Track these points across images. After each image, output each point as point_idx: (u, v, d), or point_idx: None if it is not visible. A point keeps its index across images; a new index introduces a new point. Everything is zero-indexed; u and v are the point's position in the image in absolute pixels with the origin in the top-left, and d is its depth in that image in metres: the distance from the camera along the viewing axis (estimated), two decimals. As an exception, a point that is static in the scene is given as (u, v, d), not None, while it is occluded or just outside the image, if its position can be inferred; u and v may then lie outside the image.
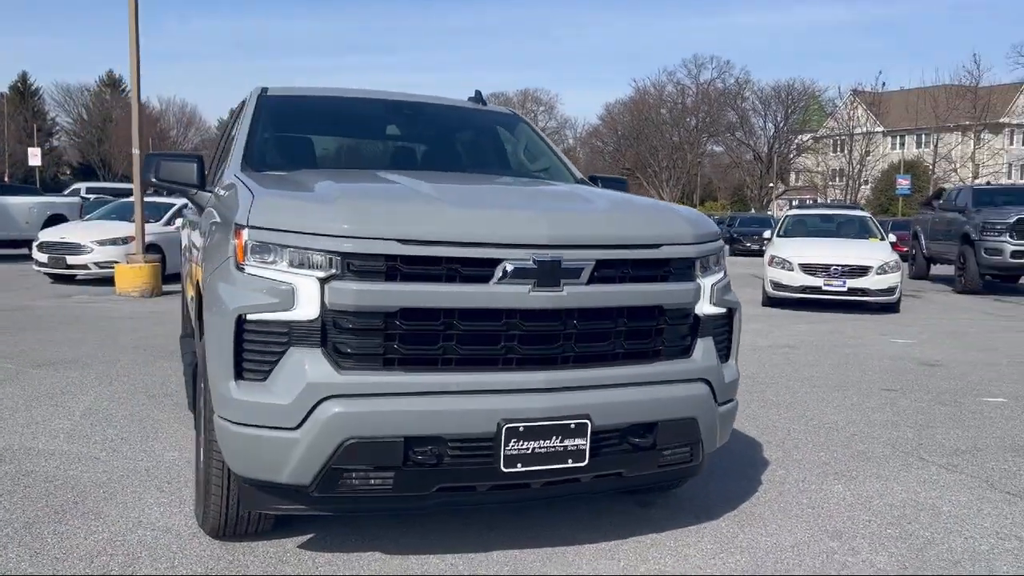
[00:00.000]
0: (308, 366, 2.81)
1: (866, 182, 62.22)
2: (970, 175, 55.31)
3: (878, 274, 12.02)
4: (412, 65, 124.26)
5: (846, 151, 61.63)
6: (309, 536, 3.43)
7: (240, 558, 3.22)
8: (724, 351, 3.46)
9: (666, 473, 3.36)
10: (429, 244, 2.86)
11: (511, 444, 2.89)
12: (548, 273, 2.93)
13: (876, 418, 5.74)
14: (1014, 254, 15.17)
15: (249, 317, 2.85)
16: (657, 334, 3.20)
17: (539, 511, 3.70)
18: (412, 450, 2.85)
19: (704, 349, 3.32)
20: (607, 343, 3.09)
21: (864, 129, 60.13)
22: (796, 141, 67.76)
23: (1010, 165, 65.44)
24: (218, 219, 3.38)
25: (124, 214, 16.20)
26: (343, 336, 2.84)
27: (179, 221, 15.60)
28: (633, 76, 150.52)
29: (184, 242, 6.28)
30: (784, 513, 3.86)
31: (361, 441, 2.80)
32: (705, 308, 3.33)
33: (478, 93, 5.17)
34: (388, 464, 2.85)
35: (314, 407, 2.80)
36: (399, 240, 2.84)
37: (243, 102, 4.99)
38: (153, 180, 4.06)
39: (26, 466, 4.26)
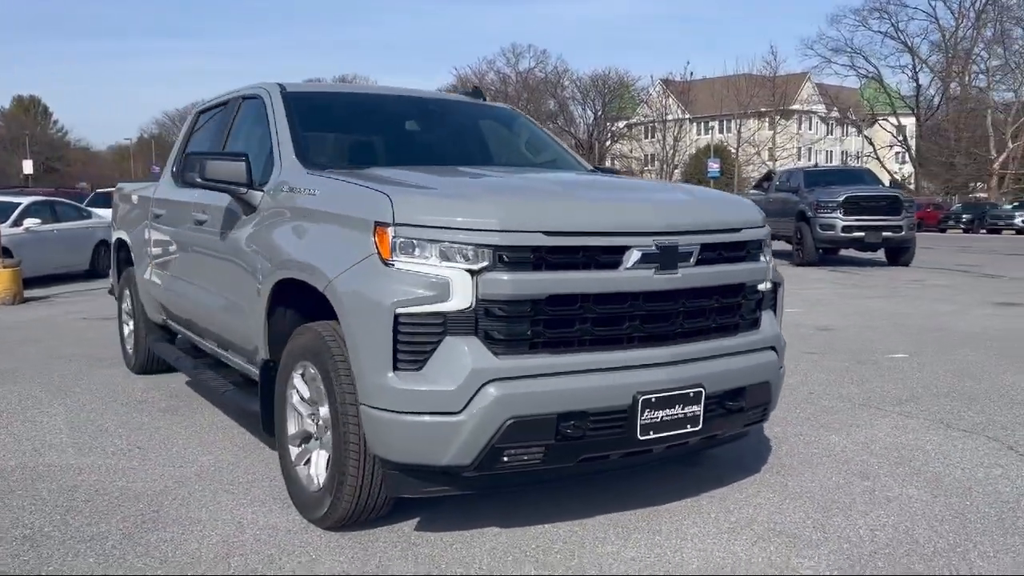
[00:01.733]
0: (469, 353, 2.98)
1: (676, 166, 66.05)
2: (768, 158, 60.08)
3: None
4: (215, 50, 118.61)
5: (659, 137, 65.17)
6: (417, 519, 3.58)
7: (371, 544, 3.33)
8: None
9: (743, 432, 3.78)
10: (570, 235, 3.11)
11: (645, 414, 3.19)
12: (668, 257, 3.25)
13: (818, 378, 6.45)
14: (844, 228, 16.92)
15: (405, 310, 2.98)
16: (738, 309, 3.59)
17: (616, 480, 4.01)
18: (561, 425, 3.08)
19: (768, 320, 3.76)
20: (707, 319, 3.45)
21: (675, 116, 63.83)
22: (612, 128, 70.82)
23: (799, 149, 71.32)
24: (326, 218, 3.44)
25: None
26: (495, 323, 3.02)
27: (29, 222, 14.52)
28: (454, 64, 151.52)
29: (146, 238, 6.02)
30: (809, 462, 4.38)
31: (521, 420, 3.01)
32: (766, 284, 3.75)
33: (476, 89, 5.36)
34: (541, 440, 3.07)
35: (477, 391, 2.97)
36: (544, 232, 3.06)
37: (242, 97, 4.94)
38: (198, 180, 4.01)
39: (63, 482, 4.08)
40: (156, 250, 5.74)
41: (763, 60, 76.75)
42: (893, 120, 60.50)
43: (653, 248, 3.21)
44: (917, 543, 3.36)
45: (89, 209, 17.48)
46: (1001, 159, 52.23)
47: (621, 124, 70.74)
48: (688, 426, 3.31)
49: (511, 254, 3.02)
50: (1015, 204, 43.58)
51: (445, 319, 3.00)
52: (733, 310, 3.56)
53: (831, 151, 77.93)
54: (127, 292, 6.72)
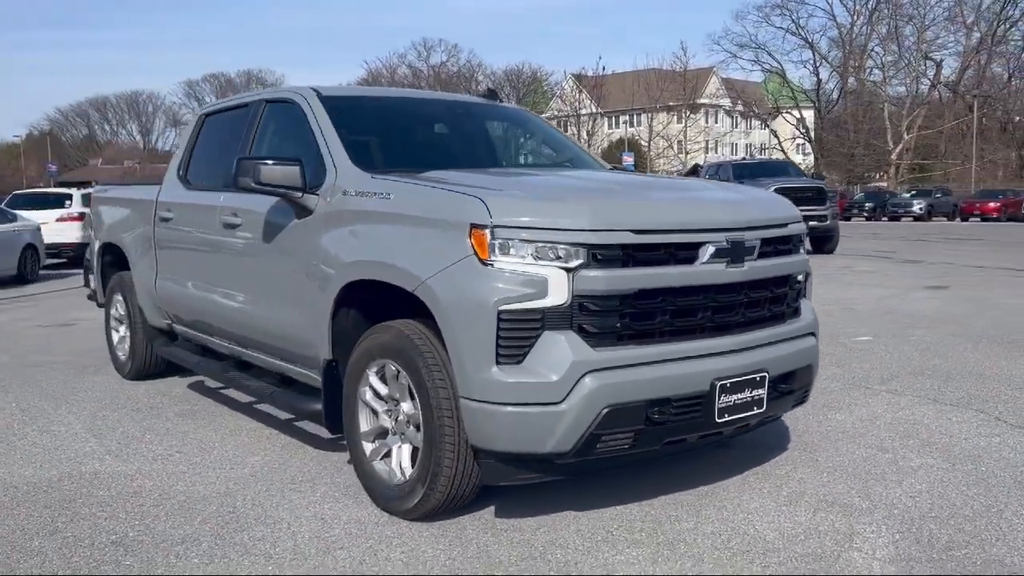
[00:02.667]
0: (568, 346, 3.17)
1: (591, 159, 66.90)
2: (679, 151, 61.64)
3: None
4: (109, 43, 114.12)
5: (573, 131, 65.98)
6: (492, 506, 3.74)
7: (462, 532, 3.48)
8: (807, 308, 4.21)
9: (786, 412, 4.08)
10: (655, 232, 3.32)
11: (722, 398, 3.44)
12: (737, 252, 3.50)
13: (799, 362, 6.84)
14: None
15: (507, 307, 3.14)
16: (785, 298, 3.87)
17: (663, 465, 4.24)
18: (650, 411, 3.30)
19: (806, 308, 4.06)
20: (763, 308, 3.72)
21: (589, 110, 64.73)
22: (527, 122, 71.25)
23: (706, 142, 73.24)
24: (407, 221, 3.55)
25: None
26: (588, 318, 3.21)
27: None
28: (364, 58, 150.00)
29: (149, 242, 5.94)
30: (828, 439, 4.71)
31: (616, 408, 3.21)
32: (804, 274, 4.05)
33: (491, 91, 5.52)
34: (632, 426, 3.28)
35: (577, 382, 3.16)
36: (632, 231, 3.27)
37: (265, 101, 4.97)
38: (252, 185, 4.06)
39: (120, 488, 4.07)
40: (165, 253, 5.69)
41: (673, 55, 78.82)
42: (796, 113, 62.85)
43: (725, 243, 3.46)
44: (955, 506, 3.71)
45: (13, 212, 16.79)
46: (898, 150, 54.98)
47: (536, 118, 71.29)
48: (755, 408, 3.58)
49: (604, 252, 3.22)
50: (912, 192, 45.99)
51: (543, 315, 3.17)
52: (782, 299, 3.84)
53: (737, 144, 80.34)
54: (118, 297, 6.61)
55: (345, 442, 3.98)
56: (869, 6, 58.61)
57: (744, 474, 4.17)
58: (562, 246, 3.19)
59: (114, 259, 6.79)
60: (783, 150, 63.30)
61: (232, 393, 6.01)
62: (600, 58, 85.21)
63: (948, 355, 6.98)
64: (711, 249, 3.43)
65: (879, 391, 5.80)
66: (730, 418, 3.49)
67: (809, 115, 63.83)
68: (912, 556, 3.23)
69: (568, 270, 3.18)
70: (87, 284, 12.46)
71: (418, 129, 4.93)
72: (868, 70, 61.31)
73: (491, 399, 3.18)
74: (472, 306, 3.19)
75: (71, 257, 18.38)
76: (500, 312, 3.14)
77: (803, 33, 62.54)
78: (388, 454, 3.75)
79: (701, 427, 3.47)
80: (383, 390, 3.73)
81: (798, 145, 69.85)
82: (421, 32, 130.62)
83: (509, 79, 69.47)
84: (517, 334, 3.17)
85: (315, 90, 4.64)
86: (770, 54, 63.44)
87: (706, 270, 3.43)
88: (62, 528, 3.60)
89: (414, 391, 3.49)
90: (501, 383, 3.16)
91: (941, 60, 56.73)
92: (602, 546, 3.35)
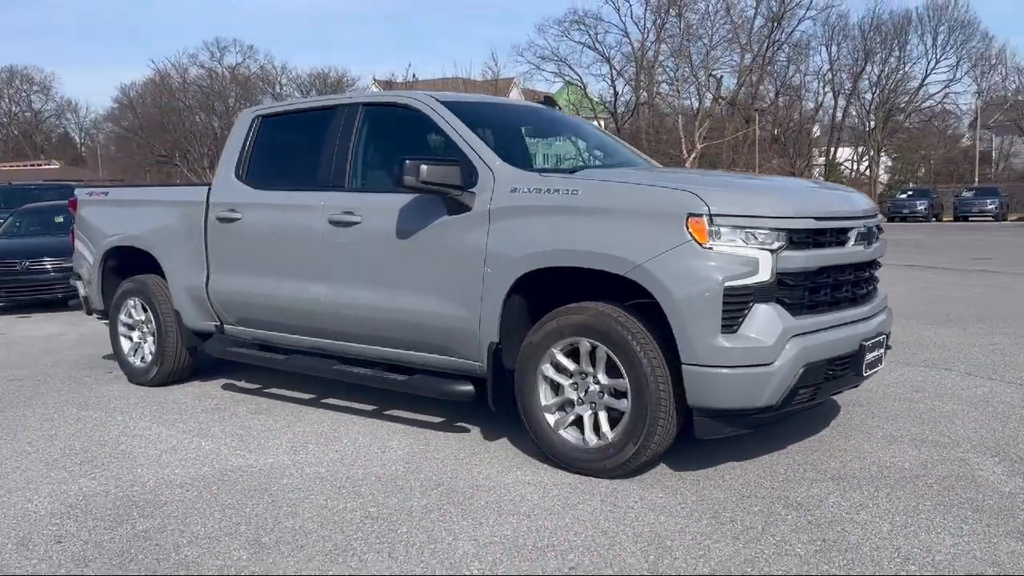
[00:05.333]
0: (777, 316, 3.79)
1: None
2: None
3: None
4: None
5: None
6: (662, 464, 4.27)
7: (664, 483, 4.00)
8: (872, 287, 5.06)
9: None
10: (828, 219, 4.04)
11: (866, 356, 4.18)
12: (868, 235, 4.28)
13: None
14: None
15: (731, 284, 3.72)
16: (875, 276, 4.69)
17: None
18: (826, 368, 3.99)
19: (880, 286, 4.91)
20: (870, 284, 4.51)
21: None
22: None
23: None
24: (606, 213, 4.00)
25: None
26: (784, 291, 3.86)
27: None
28: (151, 56, 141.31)
29: (200, 244, 5.86)
30: (863, 396, 5.58)
31: (809, 366, 3.87)
32: (878, 256, 4.91)
33: (548, 98, 5.99)
34: (816, 381, 3.96)
35: (784, 345, 3.79)
36: (815, 218, 3.95)
37: (361, 104, 5.18)
38: (417, 184, 4.34)
39: (298, 476, 4.21)
40: (228, 254, 5.67)
41: (484, 64, 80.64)
42: (596, 123, 66.45)
43: (863, 228, 4.23)
44: (1014, 434, 4.68)
45: None
46: (690, 159, 59.58)
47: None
48: (879, 364, 4.37)
49: (798, 236, 3.88)
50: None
51: (754, 290, 3.77)
52: (874, 278, 4.66)
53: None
54: (132, 303, 6.43)
55: (455, 422, 4.31)
56: (657, 25, 63.03)
57: (831, 425, 4.95)
58: (765, 231, 3.80)
59: (119, 265, 6.59)
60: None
61: (277, 390, 6.08)
62: (410, 65, 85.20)
63: (878, 330, 8.21)
64: (854, 233, 4.18)
65: (857, 360, 6.82)
66: (869, 372, 4.26)
67: (609, 125, 67.63)
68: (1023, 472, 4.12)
69: (772, 251, 3.79)
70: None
71: (520, 132, 5.35)
72: (657, 84, 65.83)
73: (716, 363, 3.74)
74: (698, 284, 3.73)
75: None
76: (726, 288, 3.71)
77: (600, 48, 66.09)
78: (576, 422, 4.18)
79: (852, 380, 4.22)
80: (570, 365, 4.16)
81: (596, 153, 73.68)
82: (211, 31, 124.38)
83: (314, 83, 68.28)
84: (735, 307, 3.75)
85: (433, 96, 4.93)
86: (571, 67, 66.46)
87: (854, 251, 4.18)
88: (295, 512, 3.75)
89: (619, 363, 3.96)
90: (725, 348, 3.72)
91: (721, 77, 62.13)
92: (791, 484, 3.99)
